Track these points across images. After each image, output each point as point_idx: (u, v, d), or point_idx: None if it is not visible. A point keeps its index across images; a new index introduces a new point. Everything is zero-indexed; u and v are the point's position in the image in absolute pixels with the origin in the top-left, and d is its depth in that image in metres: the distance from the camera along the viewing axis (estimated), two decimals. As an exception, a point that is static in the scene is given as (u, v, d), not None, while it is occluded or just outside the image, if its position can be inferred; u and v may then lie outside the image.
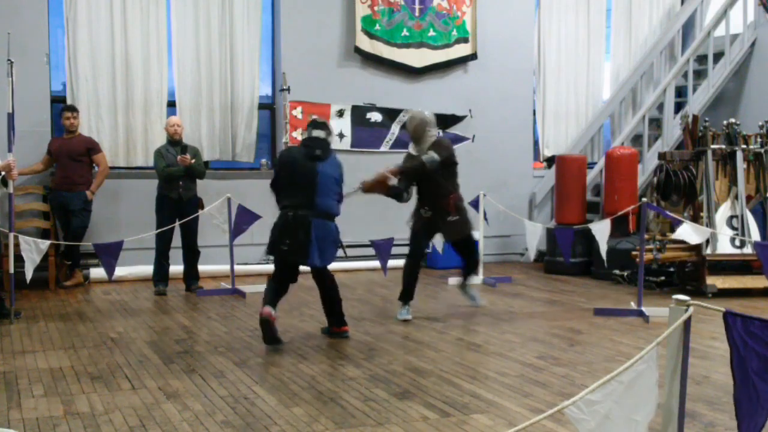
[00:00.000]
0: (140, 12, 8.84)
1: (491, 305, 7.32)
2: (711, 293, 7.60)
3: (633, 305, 6.88)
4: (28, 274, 6.55)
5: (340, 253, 5.99)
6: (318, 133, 5.79)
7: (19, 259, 6.61)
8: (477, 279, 8.63)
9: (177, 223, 7.79)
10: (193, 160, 7.82)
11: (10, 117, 6.74)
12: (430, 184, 6.58)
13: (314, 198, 5.58)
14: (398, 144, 9.85)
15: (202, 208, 7.99)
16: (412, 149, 6.78)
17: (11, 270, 6.52)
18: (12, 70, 6.84)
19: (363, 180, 6.57)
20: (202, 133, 9.18)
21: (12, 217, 6.74)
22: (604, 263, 7.67)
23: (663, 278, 8.17)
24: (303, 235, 5.53)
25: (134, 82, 8.84)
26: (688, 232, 6.98)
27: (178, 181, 7.80)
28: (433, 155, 6.48)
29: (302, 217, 5.55)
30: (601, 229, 7.04)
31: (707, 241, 7.72)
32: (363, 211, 9.56)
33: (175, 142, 7.94)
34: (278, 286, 5.74)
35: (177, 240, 7.91)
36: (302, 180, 5.64)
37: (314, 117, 6.28)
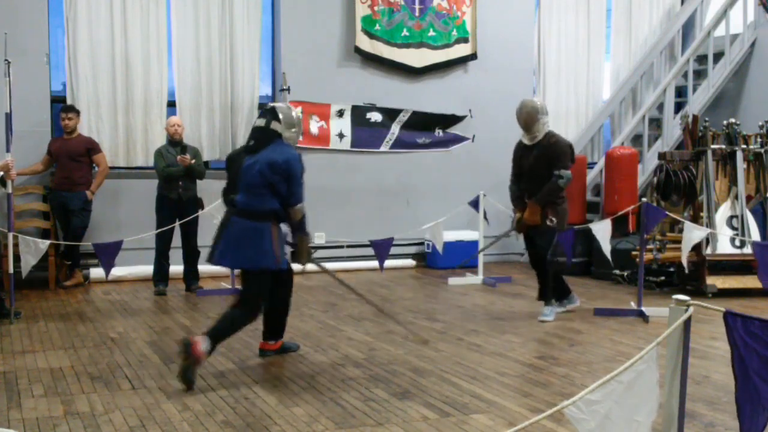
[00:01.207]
0: (140, 12, 8.83)
1: (491, 305, 7.33)
2: (711, 293, 7.60)
3: (633, 305, 6.88)
4: (25, 272, 6.55)
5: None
6: (258, 122, 5.13)
7: (19, 259, 6.60)
8: (477, 279, 8.66)
9: (177, 224, 7.79)
10: (193, 161, 7.82)
11: (8, 117, 6.73)
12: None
13: (235, 195, 5.09)
14: (398, 144, 9.86)
15: (202, 208, 7.98)
16: (524, 138, 6.77)
17: (11, 270, 6.52)
18: (9, 70, 6.84)
19: (516, 219, 6.60)
20: (202, 133, 9.18)
21: (11, 217, 6.74)
22: (610, 263, 7.68)
23: (663, 278, 8.17)
24: (217, 233, 5.15)
25: (134, 82, 8.84)
26: (692, 233, 7.03)
27: (177, 181, 7.80)
28: (568, 174, 6.42)
29: (225, 215, 5.19)
30: (601, 229, 7.04)
31: (707, 241, 7.72)
32: (363, 211, 9.59)
33: (175, 142, 7.94)
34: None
35: (177, 240, 7.91)
36: (234, 177, 5.49)
37: (268, 105, 5.45)
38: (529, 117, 6.65)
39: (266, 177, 4.85)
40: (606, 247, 6.98)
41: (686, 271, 7.57)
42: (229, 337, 4.97)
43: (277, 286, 5.11)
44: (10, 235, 6.53)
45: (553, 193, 6.42)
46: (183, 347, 4.62)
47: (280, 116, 5.04)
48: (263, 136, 5.01)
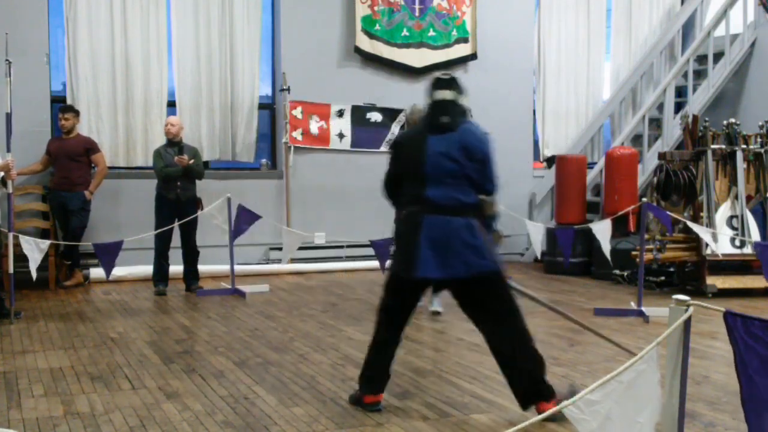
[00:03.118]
0: (140, 12, 8.84)
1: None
2: (711, 293, 7.60)
3: (633, 305, 6.88)
4: (34, 273, 6.54)
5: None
6: (443, 94, 4.12)
7: (19, 259, 6.61)
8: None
9: (176, 224, 7.78)
10: (191, 161, 7.80)
11: (8, 117, 6.74)
12: None
13: (424, 188, 4.03)
14: (398, 144, 9.84)
15: (202, 208, 7.98)
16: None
17: (11, 270, 6.52)
18: (10, 70, 6.84)
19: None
20: (202, 133, 9.18)
21: (11, 217, 6.74)
22: (609, 263, 7.68)
23: (663, 278, 8.17)
24: (405, 240, 4.09)
25: (134, 82, 8.84)
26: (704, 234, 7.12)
27: (176, 181, 7.79)
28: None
29: (410, 217, 4.10)
30: (602, 229, 7.04)
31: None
32: (363, 211, 9.58)
33: (173, 142, 7.93)
34: (385, 319, 4.25)
35: (177, 240, 7.90)
36: (407, 166, 4.17)
37: (438, 75, 4.25)
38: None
39: (462, 164, 3.99)
40: (606, 247, 6.98)
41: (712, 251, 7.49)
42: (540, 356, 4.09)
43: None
44: (11, 235, 6.53)
45: None
46: (553, 419, 3.79)
47: (462, 88, 4.18)
48: (455, 113, 4.10)
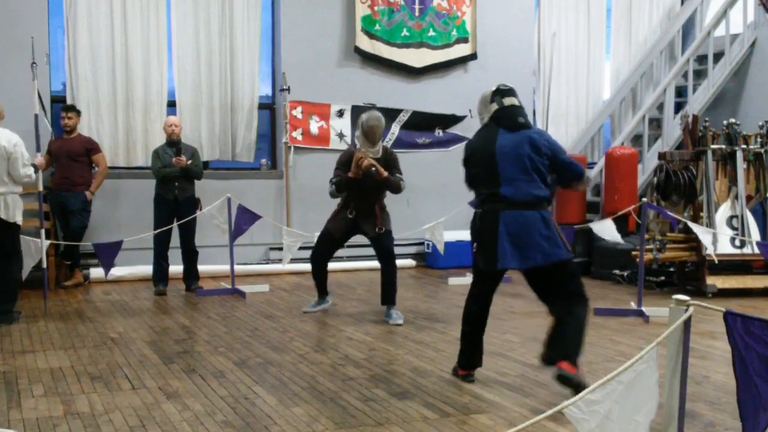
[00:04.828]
0: (140, 12, 8.83)
1: (491, 305, 7.31)
2: (711, 293, 7.61)
3: (633, 305, 6.88)
4: (25, 273, 6.56)
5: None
6: (512, 101, 4.66)
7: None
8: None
9: (175, 224, 7.77)
10: (189, 162, 7.78)
11: (37, 118, 6.93)
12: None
13: (499, 186, 4.43)
14: (398, 144, 9.84)
15: (201, 208, 7.97)
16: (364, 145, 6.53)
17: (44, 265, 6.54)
18: (35, 72, 7.04)
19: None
20: (202, 133, 9.18)
21: (42, 217, 6.78)
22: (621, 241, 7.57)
23: (663, 278, 8.17)
24: (487, 235, 4.43)
25: (134, 82, 8.84)
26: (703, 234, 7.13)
27: (174, 181, 7.78)
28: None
29: (490, 213, 4.45)
30: (605, 227, 7.07)
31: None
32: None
33: (172, 142, 7.92)
34: (474, 309, 4.69)
35: (176, 240, 7.90)
36: (482, 167, 4.55)
37: (499, 85, 4.84)
38: (379, 131, 6.56)
39: (534, 161, 4.41)
40: (615, 237, 7.01)
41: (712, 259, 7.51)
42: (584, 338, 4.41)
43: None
44: (42, 234, 6.57)
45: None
46: (563, 381, 4.17)
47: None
48: (525, 115, 4.65)
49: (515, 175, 4.39)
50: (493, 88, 4.78)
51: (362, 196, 6.59)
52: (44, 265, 6.82)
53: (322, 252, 6.82)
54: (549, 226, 4.38)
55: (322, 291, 6.93)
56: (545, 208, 4.44)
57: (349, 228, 6.73)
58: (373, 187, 6.54)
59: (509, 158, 4.42)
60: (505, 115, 4.59)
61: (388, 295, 6.66)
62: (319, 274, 6.88)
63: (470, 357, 4.75)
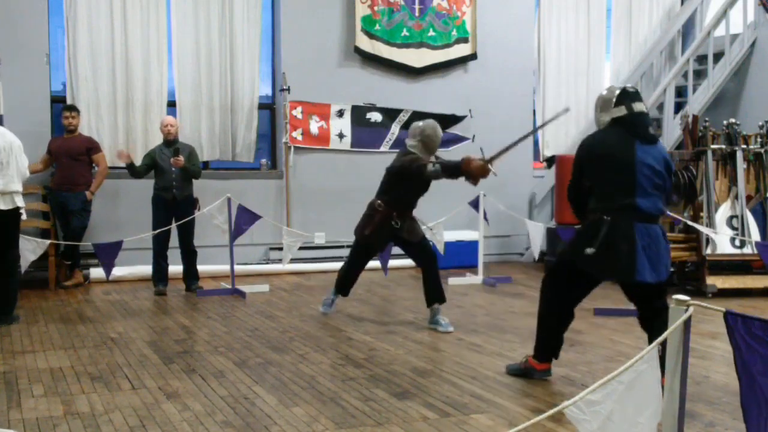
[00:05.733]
0: (140, 12, 8.83)
1: (491, 305, 7.32)
2: (711, 293, 7.61)
3: (633, 305, 6.86)
4: (23, 270, 6.56)
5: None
6: (641, 106, 4.51)
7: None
8: (477, 279, 8.65)
9: (174, 224, 7.77)
10: (186, 161, 7.77)
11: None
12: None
13: (634, 196, 4.34)
14: (398, 144, 9.82)
15: (199, 208, 7.96)
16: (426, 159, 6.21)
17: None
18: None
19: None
20: (202, 133, 9.18)
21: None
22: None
23: (663, 278, 8.16)
24: (626, 246, 4.31)
25: (134, 82, 8.84)
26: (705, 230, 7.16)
27: (172, 181, 7.78)
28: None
29: (622, 223, 4.34)
30: None
31: (707, 241, 7.73)
32: (363, 211, 9.56)
33: (169, 142, 7.91)
34: (559, 309, 4.73)
35: (175, 240, 7.90)
36: (615, 173, 4.42)
37: (625, 87, 4.65)
38: (438, 140, 6.45)
39: (664, 179, 4.44)
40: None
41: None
42: None
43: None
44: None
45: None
46: None
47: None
48: (652, 125, 4.51)
49: (650, 188, 4.37)
50: (617, 90, 4.60)
51: (413, 202, 6.38)
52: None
53: (358, 267, 6.69)
54: (667, 241, 4.48)
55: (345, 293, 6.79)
56: (661, 223, 4.51)
57: (389, 239, 6.55)
58: (422, 192, 6.32)
59: (647, 171, 4.36)
60: (639, 123, 4.47)
61: (438, 294, 6.37)
62: (351, 285, 6.75)
63: (555, 348, 4.77)
